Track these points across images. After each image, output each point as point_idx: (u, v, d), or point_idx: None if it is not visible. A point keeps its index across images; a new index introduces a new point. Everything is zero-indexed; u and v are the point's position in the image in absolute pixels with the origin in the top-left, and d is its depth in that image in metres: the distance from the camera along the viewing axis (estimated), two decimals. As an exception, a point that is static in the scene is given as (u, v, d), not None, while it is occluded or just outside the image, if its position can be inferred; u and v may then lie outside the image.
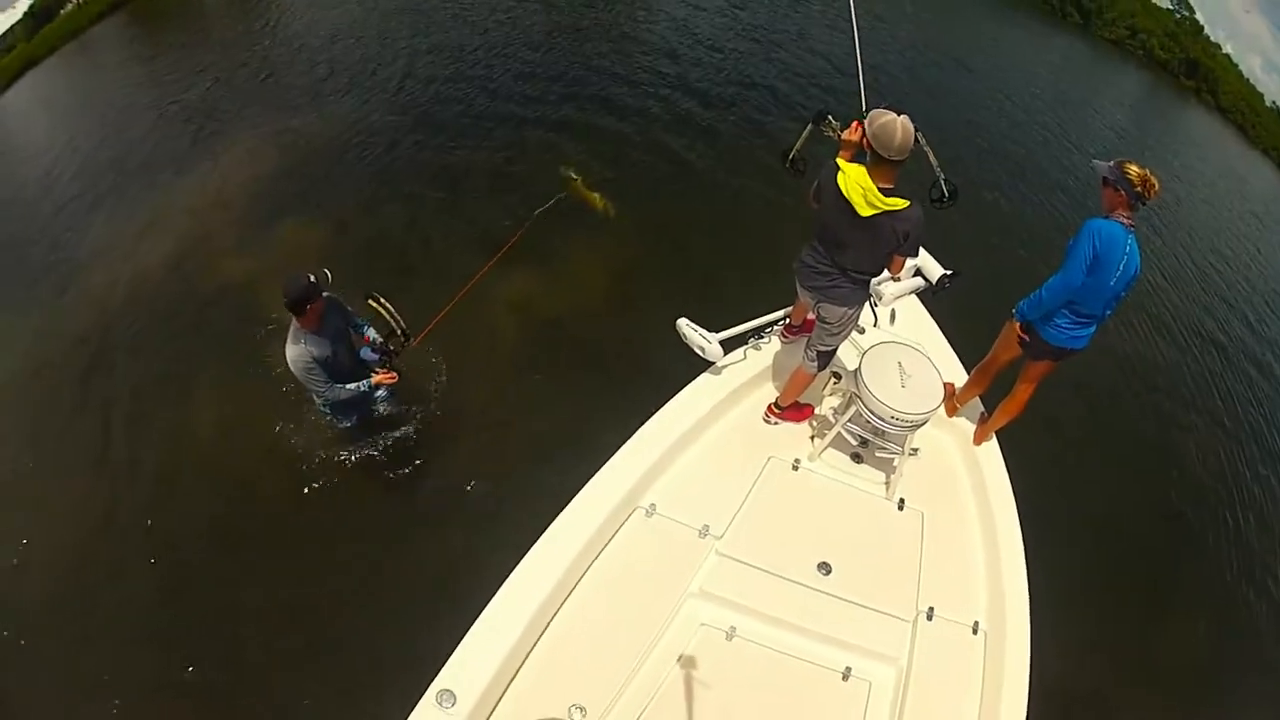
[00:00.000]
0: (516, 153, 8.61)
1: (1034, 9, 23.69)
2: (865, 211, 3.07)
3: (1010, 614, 3.32)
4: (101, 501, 5.09)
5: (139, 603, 4.59)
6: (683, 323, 3.97)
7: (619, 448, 3.64)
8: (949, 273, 4.28)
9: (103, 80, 11.56)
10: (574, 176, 7.88)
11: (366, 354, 4.49)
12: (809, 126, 3.59)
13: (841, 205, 3.12)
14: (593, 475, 3.52)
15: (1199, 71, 26.87)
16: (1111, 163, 3.29)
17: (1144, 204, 3.28)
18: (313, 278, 3.87)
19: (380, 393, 4.85)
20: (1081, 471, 6.18)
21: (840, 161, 3.16)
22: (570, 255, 6.94)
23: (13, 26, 13.75)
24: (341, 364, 4.29)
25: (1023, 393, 3.96)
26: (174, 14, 13.08)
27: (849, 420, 3.80)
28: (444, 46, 11.03)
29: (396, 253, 7.04)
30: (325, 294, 3.99)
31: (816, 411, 4.18)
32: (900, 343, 3.81)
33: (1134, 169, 3.23)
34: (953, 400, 4.19)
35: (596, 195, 7.72)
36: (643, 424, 3.76)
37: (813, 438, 4.05)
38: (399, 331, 4.35)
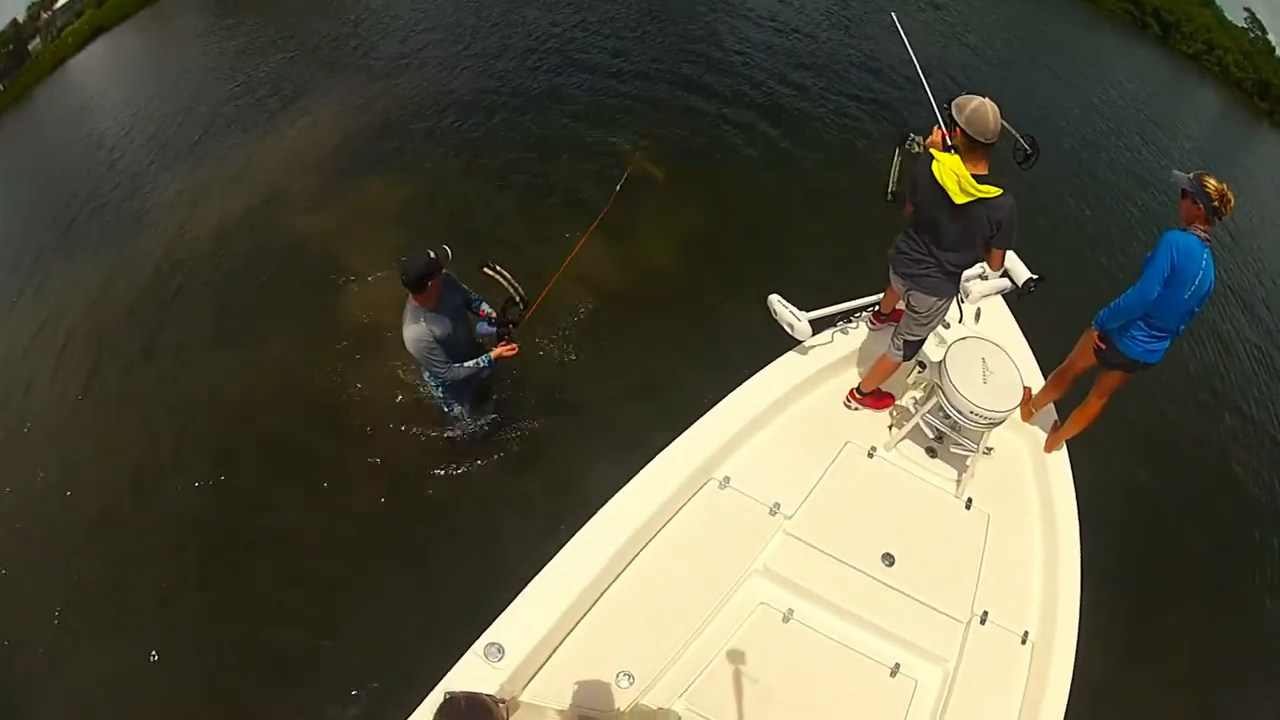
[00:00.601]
0: (604, 126, 8.69)
1: (1116, 18, 23.27)
2: (960, 199, 3.08)
3: (1060, 628, 3.28)
4: (158, 438, 5.30)
5: (174, 536, 4.74)
6: (774, 299, 3.95)
7: (700, 418, 3.65)
8: (1035, 276, 4.23)
9: (179, 46, 11.92)
10: (635, 155, 7.80)
11: (483, 328, 4.40)
12: (896, 154, 3.61)
13: (936, 193, 3.14)
14: (670, 443, 3.52)
15: (1271, 93, 26.06)
16: (1190, 175, 3.25)
17: (1220, 218, 3.26)
18: (433, 254, 3.76)
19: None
20: (1145, 486, 6.04)
21: (934, 151, 3.19)
22: (648, 229, 6.96)
23: (81, -7, 14.24)
24: (459, 342, 4.19)
25: (1095, 403, 3.92)
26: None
27: (928, 412, 3.77)
28: (536, 23, 11.09)
29: (477, 219, 7.14)
30: (444, 270, 3.87)
31: (897, 401, 4.15)
32: (986, 340, 3.78)
33: (1212, 182, 3.19)
34: (1028, 405, 4.14)
35: (657, 170, 7.72)
36: (724, 397, 3.77)
37: (891, 427, 4.03)
38: (518, 299, 4.21)
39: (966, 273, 4.33)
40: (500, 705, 1.78)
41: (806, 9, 13.45)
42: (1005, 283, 4.38)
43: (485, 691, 1.76)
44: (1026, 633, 3.35)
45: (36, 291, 7.00)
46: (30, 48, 14.44)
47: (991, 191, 3.05)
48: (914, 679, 3.20)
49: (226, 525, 4.76)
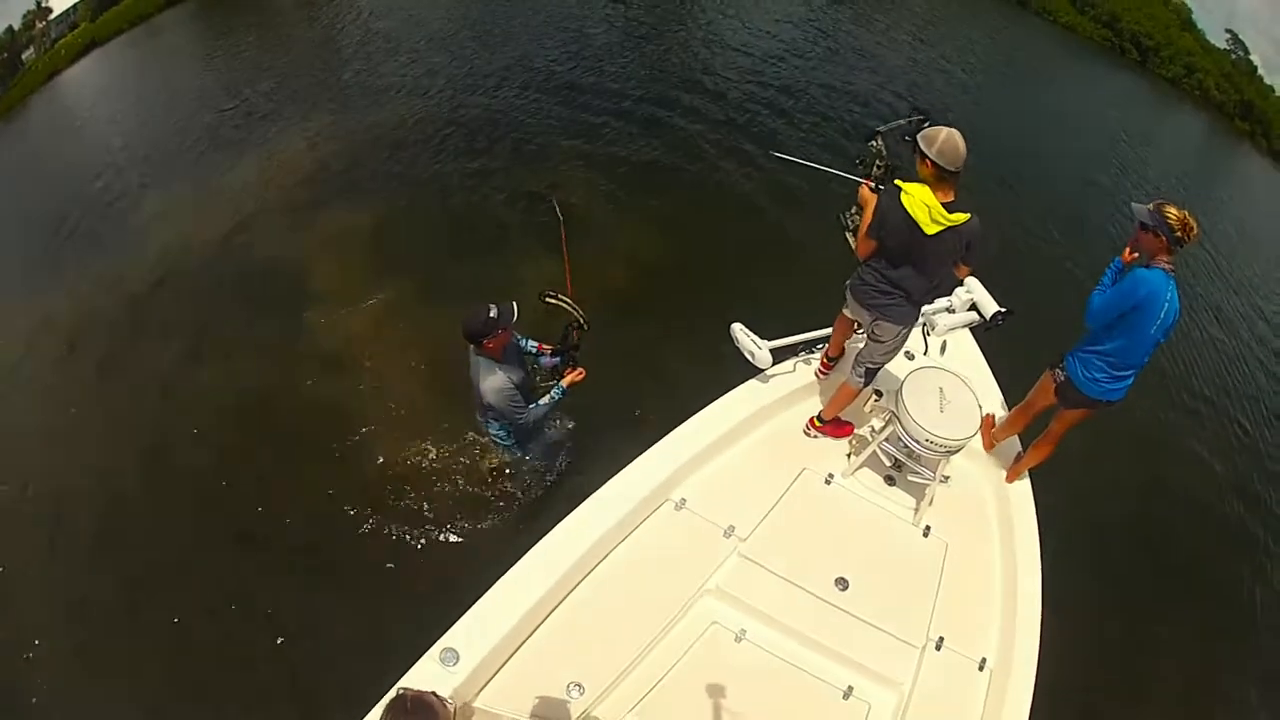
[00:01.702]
0: (571, 155, 8.82)
1: (1094, 45, 23.56)
2: (931, 229, 3.13)
3: (1018, 655, 3.29)
4: (135, 443, 5.45)
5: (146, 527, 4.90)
6: (736, 327, 4.05)
7: (659, 440, 3.74)
8: (1003, 310, 4.32)
9: (170, 64, 12.05)
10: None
11: (546, 360, 4.38)
12: (846, 236, 3.69)
13: (908, 225, 3.16)
14: (629, 463, 3.61)
15: (1253, 114, 26.38)
16: (1151, 206, 3.20)
17: (1182, 247, 3.20)
18: (493, 310, 3.74)
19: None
20: (1107, 510, 6.06)
21: (900, 184, 3.19)
22: (606, 257, 7.06)
23: (76, 5, 14.30)
24: (526, 384, 4.18)
25: (1055, 433, 3.92)
26: (243, 6, 13.56)
27: (885, 440, 3.82)
28: (509, 56, 11.30)
29: (447, 242, 7.28)
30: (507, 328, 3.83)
31: (856, 430, 4.20)
32: (945, 369, 3.83)
33: (1173, 212, 3.14)
34: (990, 434, 4.17)
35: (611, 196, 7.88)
36: (684, 421, 3.84)
37: (849, 455, 4.08)
38: (581, 322, 4.18)
39: (933, 306, 4.49)
40: (448, 705, 1.80)
41: (784, 42, 13.65)
42: (973, 316, 4.46)
43: (436, 692, 1.83)
44: (984, 659, 3.36)
45: (21, 302, 7.07)
46: (24, 57, 14.47)
47: (961, 218, 3.11)
48: (867, 702, 3.22)
49: (193, 530, 4.88)
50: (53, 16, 14.42)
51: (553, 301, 4.13)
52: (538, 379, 4.40)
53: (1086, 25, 25.11)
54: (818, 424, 4.09)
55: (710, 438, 3.82)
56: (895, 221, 3.20)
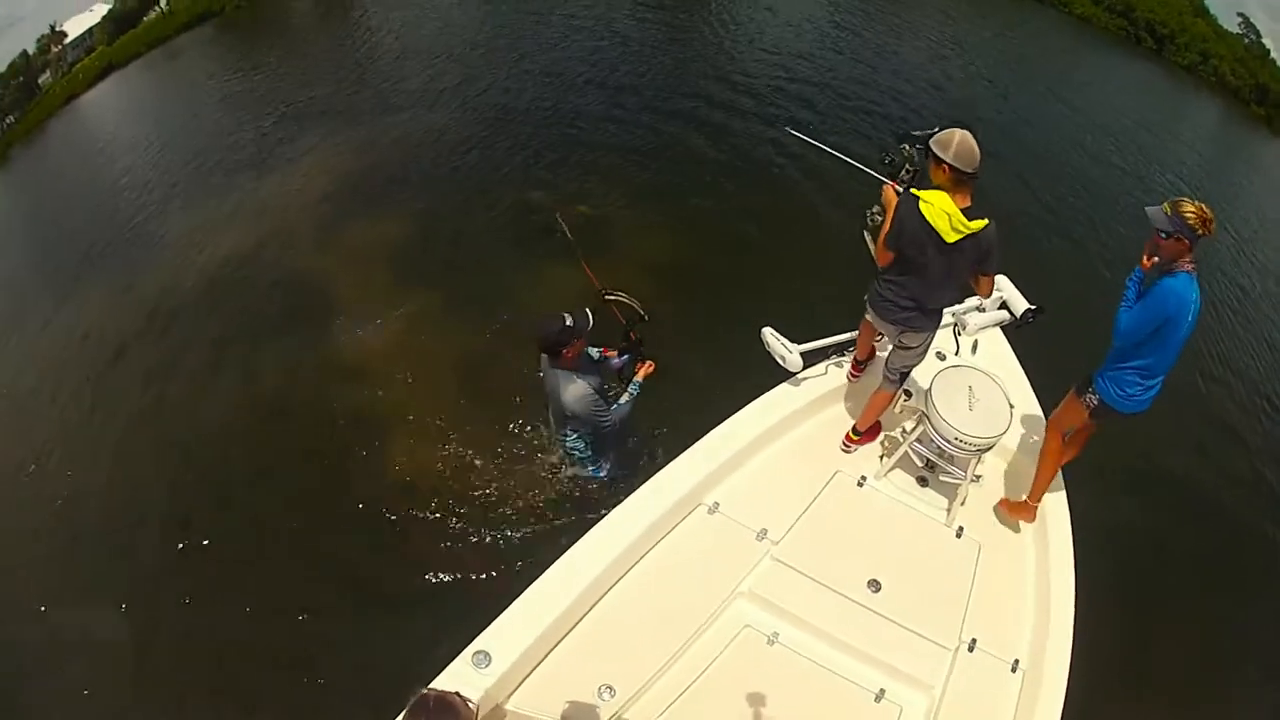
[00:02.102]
0: (592, 166, 8.88)
1: (1110, 34, 23.37)
2: (952, 238, 3.06)
3: (1051, 657, 3.24)
4: (154, 447, 5.69)
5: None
6: (767, 331, 4.04)
7: (692, 445, 3.75)
8: (1033, 308, 4.27)
9: (189, 86, 12.25)
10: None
11: (614, 363, 4.40)
12: (865, 234, 3.63)
13: (928, 234, 3.10)
14: (663, 468, 3.62)
15: (1269, 98, 26.01)
16: (1166, 210, 3.03)
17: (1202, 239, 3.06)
18: (568, 319, 3.73)
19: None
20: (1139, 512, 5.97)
21: (917, 192, 3.11)
22: (634, 262, 7.06)
23: (91, 29, 14.55)
24: (604, 389, 4.16)
25: (1081, 441, 3.83)
26: (263, 28, 13.87)
27: (916, 440, 3.80)
28: (530, 70, 11.38)
29: (466, 255, 7.36)
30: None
31: (885, 431, 4.19)
32: (974, 368, 3.81)
33: (1190, 209, 2.98)
34: (1027, 507, 3.89)
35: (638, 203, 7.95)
36: (717, 425, 3.86)
37: (881, 457, 4.06)
38: (641, 315, 4.17)
39: (963, 305, 4.46)
40: (471, 706, 1.79)
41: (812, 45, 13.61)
42: (1004, 314, 4.42)
43: (466, 695, 1.82)
44: (1017, 661, 3.32)
45: (44, 320, 7.37)
46: (40, 81, 14.73)
47: (979, 224, 3.04)
48: (899, 705, 3.19)
49: (217, 536, 4.99)
50: (68, 40, 14.69)
51: (613, 299, 4.14)
52: (605, 385, 4.37)
53: (1102, 16, 24.82)
54: (854, 437, 4.05)
55: (743, 442, 3.82)
56: (914, 230, 3.14)
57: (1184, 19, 27.05)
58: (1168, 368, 3.33)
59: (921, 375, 3.98)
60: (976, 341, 4.45)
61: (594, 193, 8.29)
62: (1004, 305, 4.43)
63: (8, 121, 15.50)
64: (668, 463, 3.69)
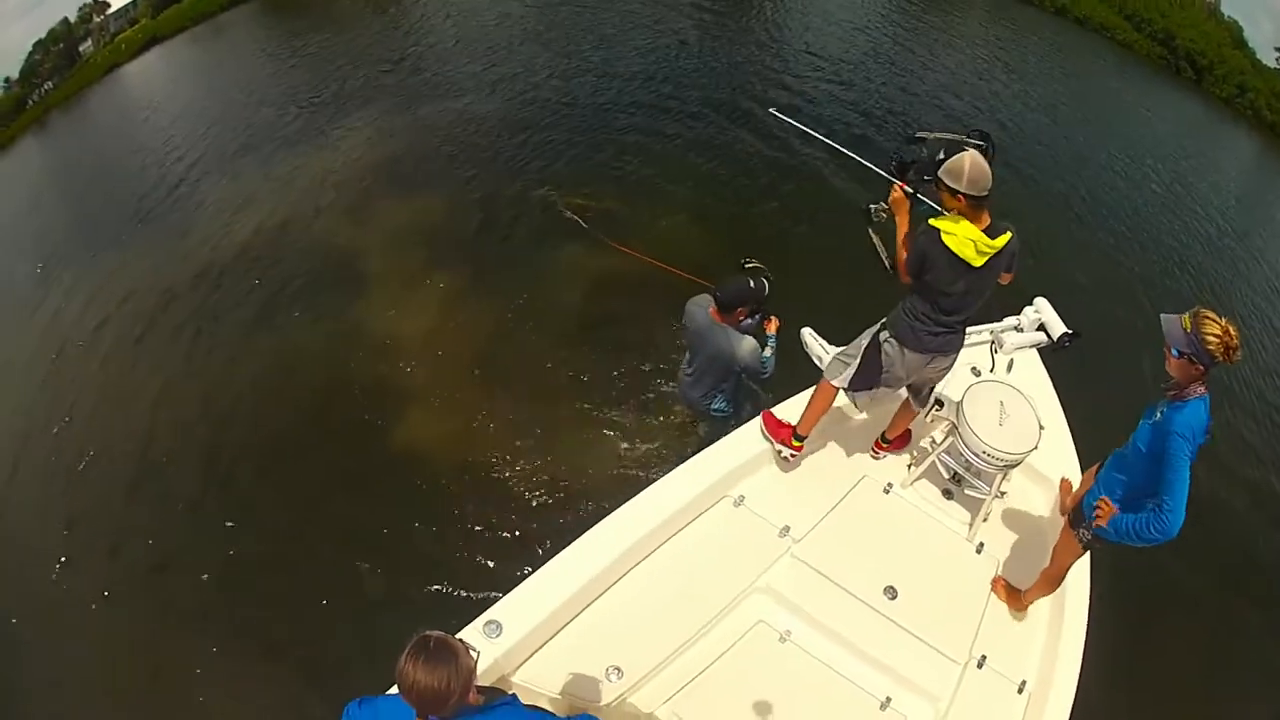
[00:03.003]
0: (633, 154, 9.00)
1: (1150, 62, 23.23)
2: (979, 262, 3.00)
3: (1058, 681, 3.23)
4: (188, 404, 5.95)
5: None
6: (806, 331, 4.09)
7: (723, 437, 3.79)
8: (1070, 332, 4.26)
9: (233, 62, 12.43)
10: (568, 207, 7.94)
11: (746, 324, 4.35)
12: (870, 232, 3.52)
13: (955, 265, 3.03)
14: (692, 458, 3.65)
15: (1304, 136, 25.70)
16: (1186, 325, 2.58)
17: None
18: (751, 283, 3.87)
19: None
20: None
21: (936, 224, 3.00)
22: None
23: (134, 1, 14.72)
24: None
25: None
26: (312, 6, 13.94)
27: (944, 451, 3.79)
28: (570, 52, 11.55)
29: (495, 236, 7.55)
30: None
31: (918, 441, 4.18)
32: (1007, 384, 3.79)
33: (1213, 332, 2.52)
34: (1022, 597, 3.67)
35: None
36: (751, 419, 3.89)
37: (909, 465, 4.06)
38: (768, 278, 4.09)
39: (1001, 324, 4.47)
40: (472, 654, 1.79)
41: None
42: (1041, 336, 4.40)
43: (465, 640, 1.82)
44: (1024, 682, 3.32)
45: (77, 279, 7.59)
46: (81, 50, 14.92)
47: (1003, 241, 2.99)
48: (903, 714, 3.19)
49: (245, 501, 5.19)
50: (111, 11, 14.86)
51: (751, 265, 4.11)
52: None
53: (1144, 43, 24.63)
54: (883, 444, 4.05)
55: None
56: (940, 263, 3.05)
57: (1223, 50, 26.74)
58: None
59: (954, 388, 3.97)
60: (1012, 361, 4.43)
61: (628, 187, 8.40)
62: (1042, 327, 4.41)
63: (46, 87, 15.75)
64: (696, 453, 3.72)
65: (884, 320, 3.46)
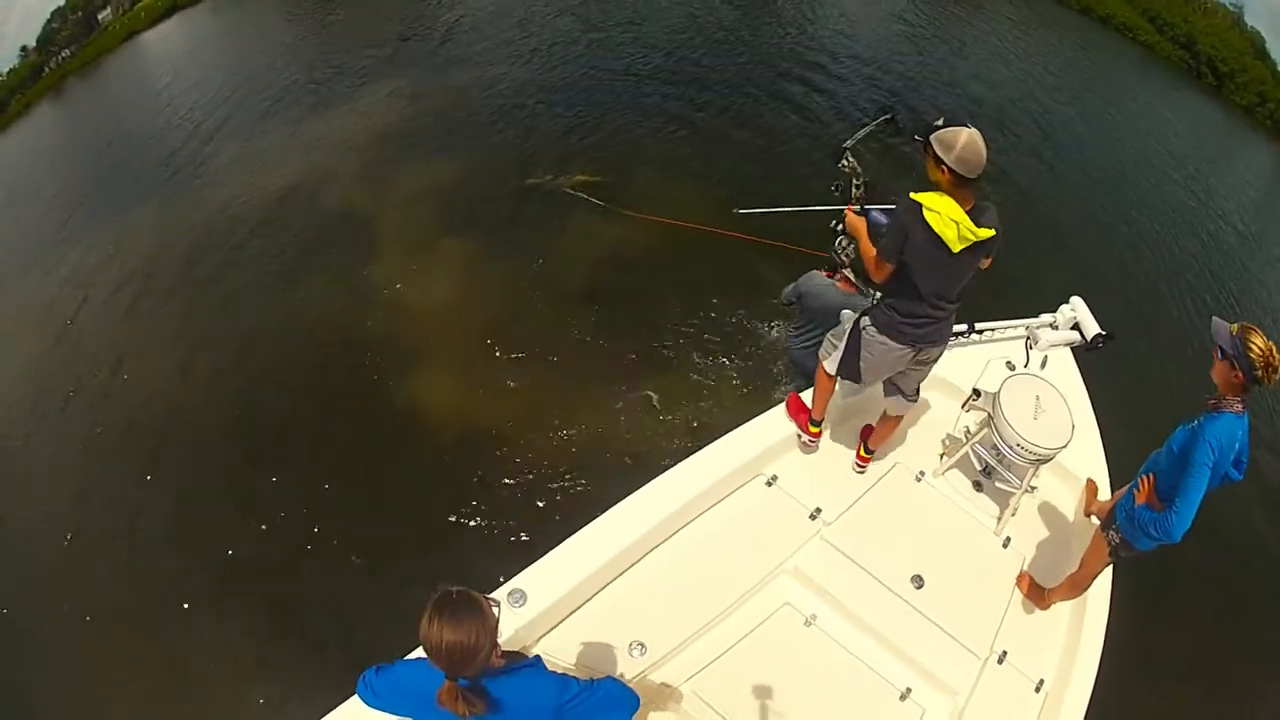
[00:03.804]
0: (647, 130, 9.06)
1: (1171, 64, 23.14)
2: (957, 247, 2.75)
3: (1075, 683, 3.23)
4: (205, 364, 6.10)
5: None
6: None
7: (760, 415, 3.78)
8: (1103, 333, 4.25)
9: (258, 29, 12.45)
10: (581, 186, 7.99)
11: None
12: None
13: (934, 244, 2.77)
14: (728, 434, 3.63)
15: (1321, 149, 25.60)
16: (1234, 329, 2.69)
17: (1261, 386, 2.67)
18: None
19: None
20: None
21: (919, 198, 2.75)
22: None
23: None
24: None
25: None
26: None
27: (978, 442, 3.78)
28: (607, 28, 11.57)
29: (509, 205, 7.66)
30: None
31: (949, 430, 4.16)
32: (1044, 379, 3.77)
33: (1258, 344, 2.62)
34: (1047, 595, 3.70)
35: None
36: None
37: (942, 455, 4.04)
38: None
39: (1037, 320, 4.45)
40: (494, 611, 1.73)
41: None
42: (1074, 335, 4.40)
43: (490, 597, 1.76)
44: (1041, 681, 3.32)
45: (94, 237, 7.80)
46: (100, 17, 14.87)
47: (987, 234, 2.76)
48: (922, 707, 3.18)
49: (258, 457, 5.31)
50: (131, -22, 14.78)
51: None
52: None
53: (1165, 46, 24.58)
54: (866, 457, 3.86)
55: None
56: (918, 241, 2.81)
57: (1245, 59, 26.62)
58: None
59: (991, 379, 3.97)
60: (1046, 358, 4.41)
61: (644, 159, 8.50)
62: (1076, 326, 4.40)
63: (63, 55, 15.70)
64: (729, 429, 3.69)
65: (867, 308, 3.30)
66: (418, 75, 9.91)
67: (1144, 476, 3.05)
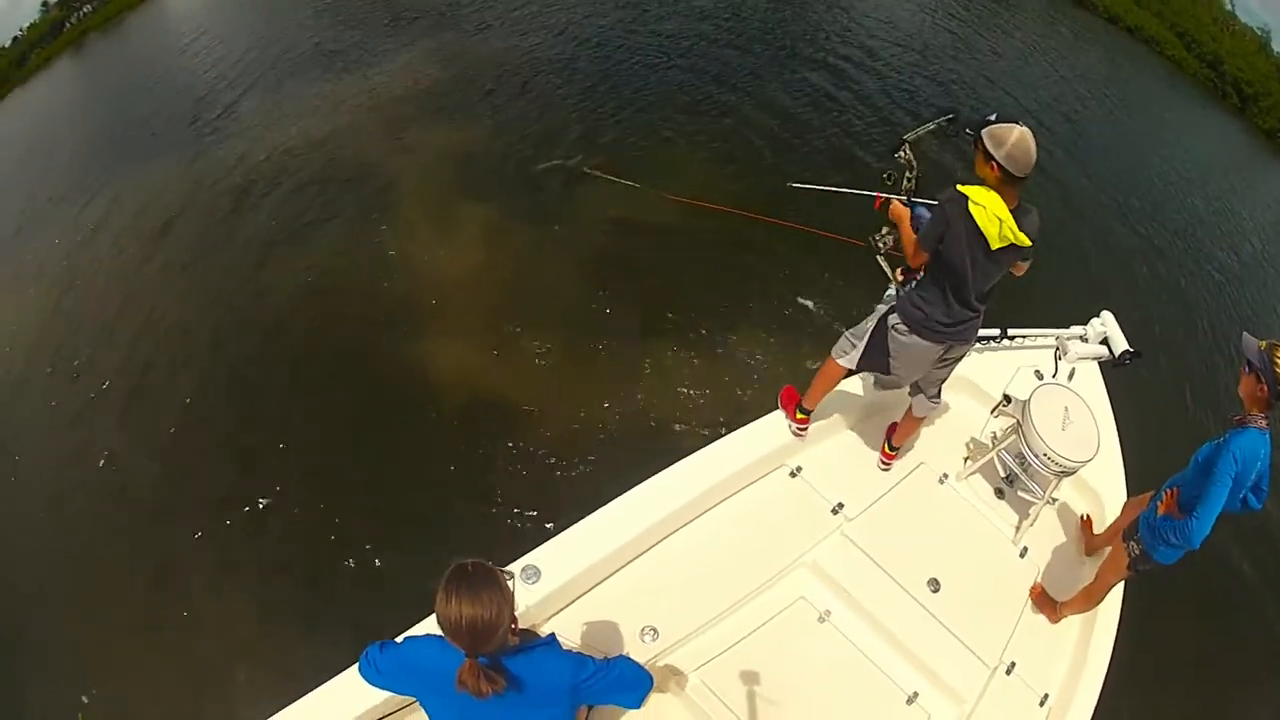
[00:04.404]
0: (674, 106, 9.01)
1: (1198, 83, 23.06)
2: (996, 245, 2.73)
3: (1079, 700, 3.22)
4: (220, 318, 6.17)
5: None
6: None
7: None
8: (1131, 350, 4.23)
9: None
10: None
11: None
12: (878, 259, 3.43)
13: (974, 239, 2.75)
14: (753, 422, 3.60)
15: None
16: (1264, 346, 2.75)
17: None
18: None
19: None
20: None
21: (966, 190, 2.73)
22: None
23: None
24: None
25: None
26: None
27: (1004, 448, 3.76)
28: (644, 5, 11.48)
29: (524, 173, 7.67)
30: None
31: (974, 435, 4.13)
32: (1072, 390, 3.74)
33: None
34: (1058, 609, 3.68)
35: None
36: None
37: (966, 459, 4.02)
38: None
39: (1068, 331, 4.42)
40: (509, 583, 1.69)
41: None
42: (1103, 350, 4.38)
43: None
44: (1046, 695, 3.30)
45: (105, 193, 7.86)
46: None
47: (1025, 241, 2.73)
48: (928, 712, 3.15)
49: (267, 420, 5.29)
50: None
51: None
52: None
53: (1192, 63, 24.60)
54: (890, 453, 3.83)
55: (836, 413, 3.80)
56: (959, 233, 2.78)
57: (1270, 83, 26.53)
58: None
59: (1021, 387, 3.96)
60: (1074, 370, 4.37)
61: (663, 134, 8.49)
62: (1105, 341, 4.38)
63: (84, 10, 15.62)
64: (757, 417, 3.65)
65: (893, 304, 3.22)
66: (444, 37, 9.92)
67: (1168, 490, 3.11)
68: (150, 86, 9.87)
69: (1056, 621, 3.61)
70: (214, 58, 9.88)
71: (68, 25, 15.01)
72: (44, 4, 15.87)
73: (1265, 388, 2.73)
